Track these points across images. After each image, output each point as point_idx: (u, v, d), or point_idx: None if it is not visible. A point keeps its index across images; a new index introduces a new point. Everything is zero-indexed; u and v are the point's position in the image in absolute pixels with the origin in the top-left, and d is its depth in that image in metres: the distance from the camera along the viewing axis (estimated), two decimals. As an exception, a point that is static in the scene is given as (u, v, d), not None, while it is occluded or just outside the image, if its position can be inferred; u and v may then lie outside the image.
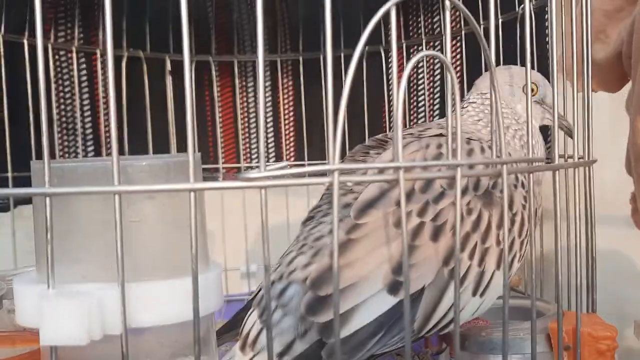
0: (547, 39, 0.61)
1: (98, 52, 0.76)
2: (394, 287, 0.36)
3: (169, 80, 0.81)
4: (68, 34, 0.75)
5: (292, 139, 0.86)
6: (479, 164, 0.40)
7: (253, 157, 0.86)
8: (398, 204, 0.38)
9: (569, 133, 0.52)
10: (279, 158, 0.86)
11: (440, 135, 0.44)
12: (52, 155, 0.73)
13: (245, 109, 0.85)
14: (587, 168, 0.46)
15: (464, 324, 0.41)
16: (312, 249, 0.39)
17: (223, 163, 0.84)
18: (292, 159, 0.86)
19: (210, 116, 0.84)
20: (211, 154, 0.85)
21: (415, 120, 0.78)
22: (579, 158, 0.45)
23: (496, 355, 0.41)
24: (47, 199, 0.26)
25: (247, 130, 0.85)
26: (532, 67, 0.59)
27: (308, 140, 0.83)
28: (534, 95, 0.48)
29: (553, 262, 0.42)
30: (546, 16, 0.60)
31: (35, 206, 0.29)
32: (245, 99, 0.85)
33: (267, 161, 0.84)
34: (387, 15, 0.28)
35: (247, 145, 0.86)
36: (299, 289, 0.37)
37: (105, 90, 0.75)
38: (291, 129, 0.86)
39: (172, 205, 0.29)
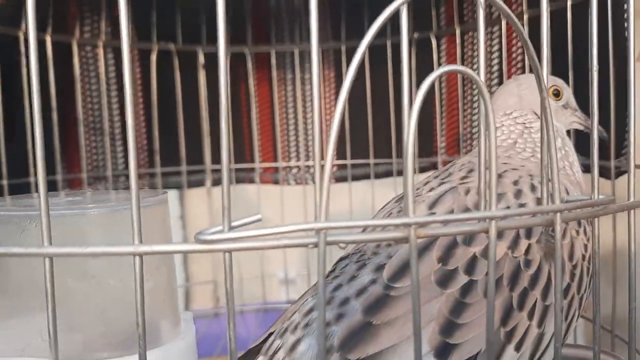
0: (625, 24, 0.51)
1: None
2: (442, 351, 0.30)
3: (202, 75, 0.76)
4: (94, 29, 0.70)
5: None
6: (527, 213, 0.32)
7: (291, 155, 0.80)
8: (439, 261, 0.33)
9: (603, 136, 0.44)
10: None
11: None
12: (77, 158, 0.69)
13: (284, 104, 0.79)
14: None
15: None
16: (334, 310, 0.33)
17: (260, 162, 0.79)
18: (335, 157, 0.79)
19: (246, 112, 0.78)
20: (247, 152, 0.79)
21: (469, 117, 0.70)
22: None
23: None
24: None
25: (285, 127, 0.79)
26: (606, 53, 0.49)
27: (352, 136, 0.77)
28: (559, 100, 0.41)
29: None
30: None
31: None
32: (283, 92, 0.79)
33: (306, 158, 0.79)
34: None
35: (286, 143, 0.80)
36: (313, 343, 0.32)
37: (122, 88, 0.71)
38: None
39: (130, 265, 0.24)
